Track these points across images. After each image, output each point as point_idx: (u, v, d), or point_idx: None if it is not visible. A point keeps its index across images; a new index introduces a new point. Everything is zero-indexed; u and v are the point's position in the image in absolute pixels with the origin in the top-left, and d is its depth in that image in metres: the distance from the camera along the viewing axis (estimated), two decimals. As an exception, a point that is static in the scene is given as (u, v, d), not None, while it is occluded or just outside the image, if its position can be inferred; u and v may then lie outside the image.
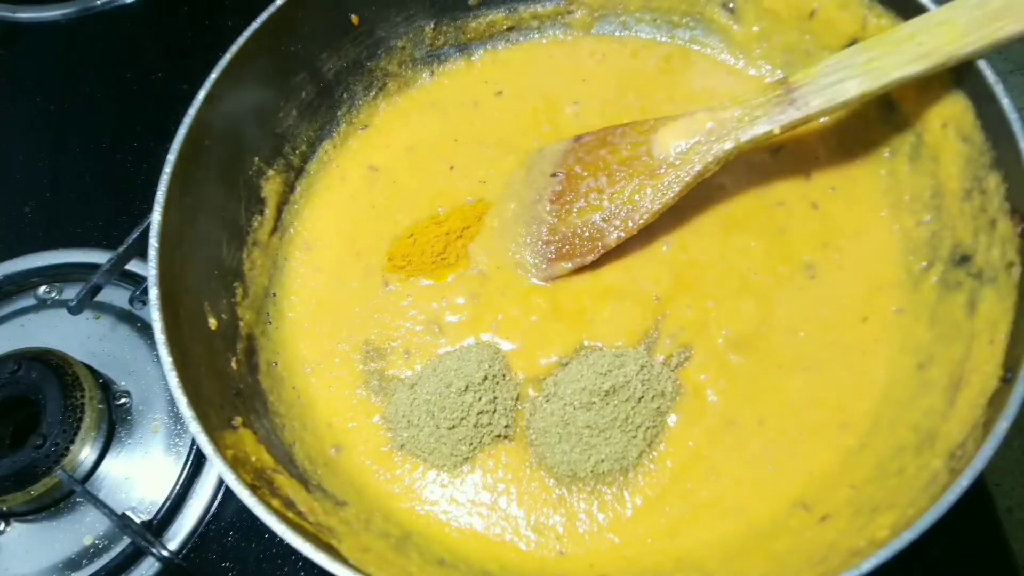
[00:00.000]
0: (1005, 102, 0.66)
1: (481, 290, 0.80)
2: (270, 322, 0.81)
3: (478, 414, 0.72)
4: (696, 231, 0.81)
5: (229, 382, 0.73)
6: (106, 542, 0.80)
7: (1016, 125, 0.65)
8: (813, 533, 0.65)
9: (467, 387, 0.72)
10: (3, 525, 0.81)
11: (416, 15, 0.90)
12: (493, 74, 0.94)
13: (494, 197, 0.85)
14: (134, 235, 0.80)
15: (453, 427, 0.72)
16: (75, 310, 0.83)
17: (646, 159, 0.77)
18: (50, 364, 0.80)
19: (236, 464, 0.63)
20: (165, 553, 0.76)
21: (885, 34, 0.71)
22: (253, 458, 0.67)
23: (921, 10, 0.71)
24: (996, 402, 0.61)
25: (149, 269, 0.67)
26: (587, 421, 0.71)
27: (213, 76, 0.75)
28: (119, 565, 0.78)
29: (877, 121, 0.80)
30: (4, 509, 0.79)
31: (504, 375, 0.75)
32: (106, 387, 0.85)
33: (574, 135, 0.83)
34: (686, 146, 0.75)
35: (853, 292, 0.77)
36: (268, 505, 0.60)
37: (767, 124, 0.73)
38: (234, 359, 0.75)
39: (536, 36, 0.95)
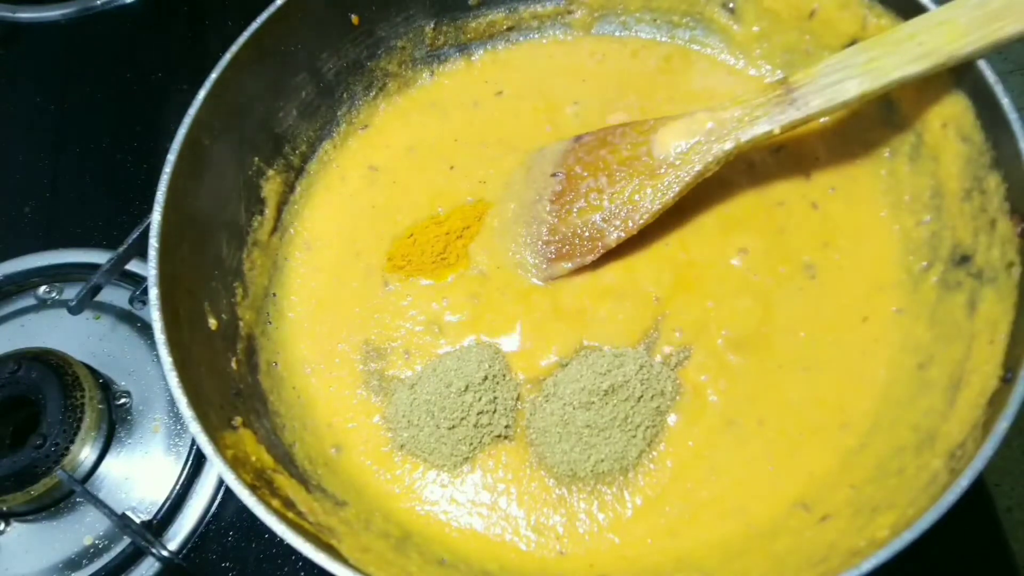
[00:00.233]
0: (1005, 102, 0.67)
1: (481, 290, 0.80)
2: (270, 322, 0.81)
3: (478, 414, 0.72)
4: (696, 231, 0.81)
5: (229, 382, 0.73)
6: (106, 542, 0.80)
7: (1016, 125, 0.65)
8: (813, 533, 0.65)
9: (467, 387, 0.72)
10: (3, 525, 0.81)
11: (416, 15, 0.90)
12: (493, 74, 0.94)
13: (494, 197, 0.85)
14: (134, 235, 0.80)
15: (453, 427, 0.72)
16: (75, 310, 0.83)
17: (646, 159, 0.77)
18: (50, 364, 0.80)
19: (236, 464, 0.63)
20: (165, 553, 0.76)
21: (885, 34, 0.71)
22: (253, 458, 0.67)
23: (921, 10, 0.71)
24: (996, 402, 0.61)
25: (149, 269, 0.67)
26: (587, 421, 0.71)
27: (213, 76, 0.75)
28: (119, 565, 0.78)
29: (877, 121, 0.80)
30: (4, 509, 0.79)
31: (504, 375, 0.75)
32: (106, 387, 0.85)
33: (574, 135, 0.83)
34: (686, 146, 0.75)
35: (853, 292, 0.77)
36: (268, 505, 0.60)
37: (767, 124, 0.73)
38: (234, 359, 0.75)
39: (536, 36, 0.95)
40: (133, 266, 0.87)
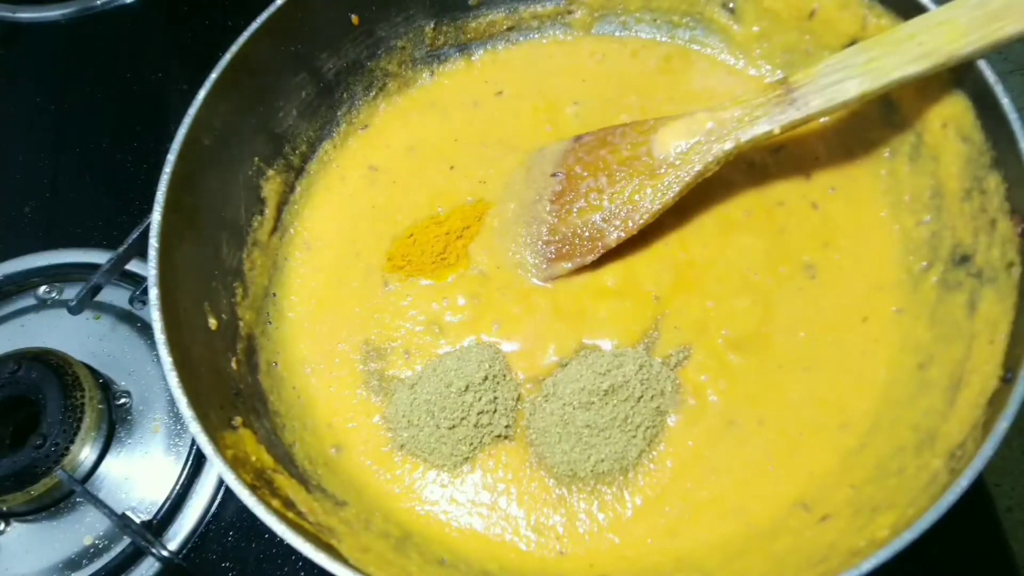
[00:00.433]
0: (1005, 102, 0.67)
1: (481, 290, 0.80)
2: (270, 322, 0.81)
3: (478, 414, 0.72)
4: (696, 231, 0.81)
5: (229, 382, 0.73)
6: (106, 542, 0.80)
7: (1016, 125, 0.65)
8: (813, 533, 0.65)
9: (467, 387, 0.72)
10: (3, 525, 0.81)
11: (416, 15, 0.90)
12: (493, 74, 0.94)
13: (494, 197, 0.85)
14: (134, 235, 0.80)
15: (453, 427, 0.72)
16: (75, 310, 0.83)
17: (646, 159, 0.77)
18: (50, 364, 0.80)
19: (236, 464, 0.63)
20: (165, 553, 0.76)
21: (885, 34, 0.71)
22: (253, 458, 0.67)
23: (921, 10, 0.71)
24: (996, 402, 0.61)
25: (149, 269, 0.67)
26: (586, 421, 0.71)
27: (213, 76, 0.75)
28: (119, 565, 0.78)
29: (877, 121, 0.80)
30: (4, 509, 0.79)
31: (504, 375, 0.75)
32: (106, 387, 0.85)
33: (574, 135, 0.83)
34: (686, 146, 0.75)
35: (853, 292, 0.77)
36: (268, 505, 0.60)
37: (767, 124, 0.73)
38: (234, 359, 0.75)
39: (536, 36, 0.95)
40: (133, 266, 0.87)
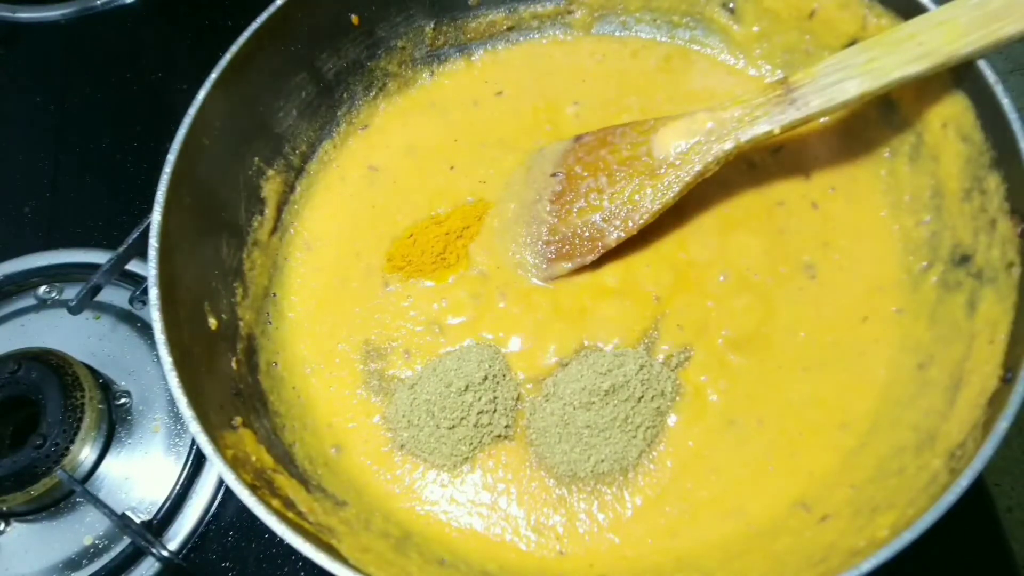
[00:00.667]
0: (1005, 102, 0.67)
1: (481, 290, 0.80)
2: (270, 322, 0.81)
3: (478, 414, 0.72)
4: (696, 231, 0.81)
5: (229, 382, 0.73)
6: (106, 542, 0.80)
7: (1016, 125, 0.65)
8: (813, 533, 0.65)
9: (467, 387, 0.72)
10: (3, 525, 0.81)
11: (416, 15, 0.90)
12: (493, 74, 0.94)
13: (494, 197, 0.85)
14: (134, 235, 0.80)
15: (453, 427, 0.72)
16: (75, 310, 0.83)
17: (646, 159, 0.77)
18: (50, 364, 0.80)
19: (236, 464, 0.63)
20: (165, 553, 0.76)
21: (885, 34, 0.71)
22: (253, 458, 0.67)
23: (921, 10, 0.71)
24: (996, 402, 0.61)
25: (149, 269, 0.67)
26: (587, 421, 0.71)
27: (213, 76, 0.75)
28: (119, 565, 0.78)
29: (877, 121, 0.80)
30: (4, 509, 0.79)
31: (504, 375, 0.75)
32: (106, 387, 0.85)
33: (574, 135, 0.83)
34: (686, 146, 0.75)
35: (853, 292, 0.77)
36: (268, 505, 0.60)
37: (767, 124, 0.73)
38: (234, 359, 0.75)
39: (536, 36, 0.95)
40: (133, 266, 0.87)
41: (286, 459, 0.71)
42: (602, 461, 0.71)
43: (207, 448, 0.61)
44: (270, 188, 0.84)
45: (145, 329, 0.89)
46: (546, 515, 0.71)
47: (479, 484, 0.73)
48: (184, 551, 0.80)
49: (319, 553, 0.57)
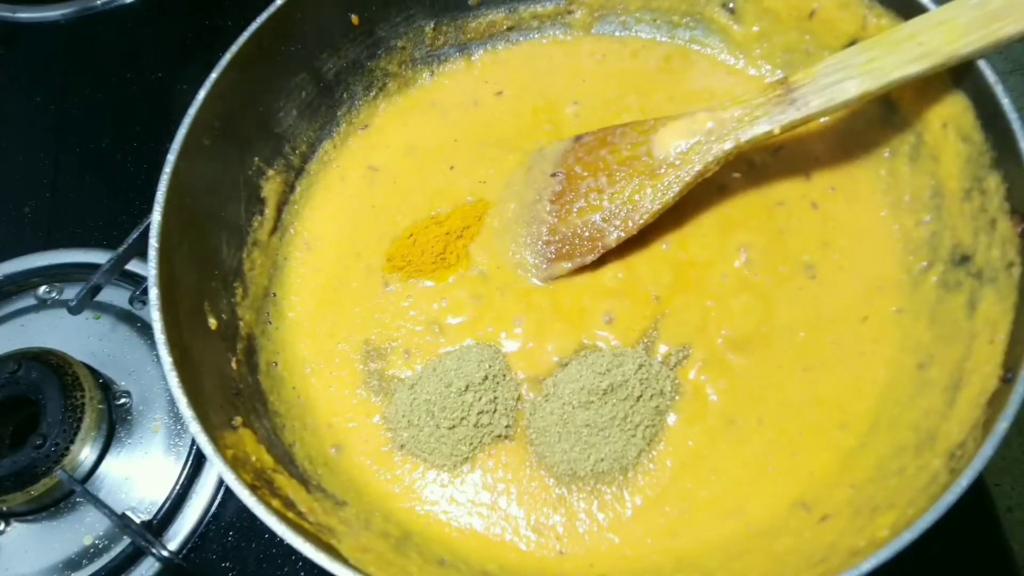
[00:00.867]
0: (1005, 102, 0.67)
1: (481, 290, 0.80)
2: (270, 322, 0.81)
3: (478, 414, 0.72)
4: (696, 231, 0.81)
5: (229, 382, 0.73)
6: (106, 542, 0.80)
7: (1016, 125, 0.65)
8: (813, 533, 0.65)
9: (467, 387, 0.72)
10: (3, 525, 0.81)
11: (416, 15, 0.90)
12: (493, 74, 0.94)
13: (494, 197, 0.85)
14: (134, 235, 0.80)
15: (453, 427, 0.72)
16: (75, 310, 0.83)
17: (646, 159, 0.77)
18: (50, 364, 0.80)
19: (236, 464, 0.63)
20: (165, 553, 0.76)
21: (885, 34, 0.71)
22: (253, 458, 0.67)
23: (921, 10, 0.71)
24: (996, 402, 0.61)
25: (149, 269, 0.67)
26: (586, 420, 0.71)
27: (213, 76, 0.75)
28: (119, 565, 0.78)
29: (877, 121, 0.80)
30: (4, 509, 0.79)
31: (504, 375, 0.75)
32: (106, 387, 0.85)
33: (574, 135, 0.83)
34: (686, 146, 0.75)
35: (853, 292, 0.77)
36: (268, 505, 0.60)
37: (767, 124, 0.73)
38: (234, 359, 0.75)
39: (536, 36, 0.95)
40: (133, 266, 0.87)
41: (286, 459, 0.71)
42: (602, 460, 0.71)
43: (207, 448, 0.61)
44: (270, 188, 0.84)
45: (145, 329, 0.89)
46: (546, 515, 0.71)
47: (479, 484, 0.73)
48: (184, 551, 0.80)
49: (319, 553, 0.57)
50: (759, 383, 0.74)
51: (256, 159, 0.83)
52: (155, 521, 0.79)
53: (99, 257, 0.90)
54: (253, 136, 0.82)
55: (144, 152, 1.04)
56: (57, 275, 0.93)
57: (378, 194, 0.87)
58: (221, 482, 0.82)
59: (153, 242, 0.68)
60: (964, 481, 0.56)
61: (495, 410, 0.73)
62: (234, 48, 0.77)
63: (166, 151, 0.72)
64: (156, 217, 0.69)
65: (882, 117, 0.80)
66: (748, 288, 0.78)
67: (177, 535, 0.80)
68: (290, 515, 0.63)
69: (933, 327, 0.72)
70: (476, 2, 0.92)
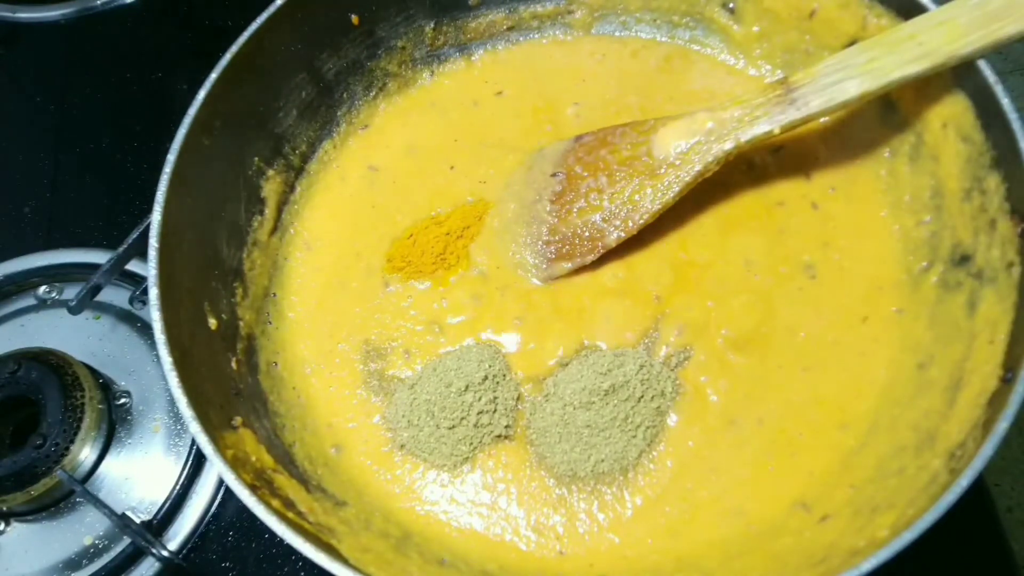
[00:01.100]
0: (1005, 102, 0.67)
1: (481, 290, 0.80)
2: (270, 322, 0.81)
3: (478, 414, 0.72)
4: (696, 231, 0.81)
5: (229, 382, 0.73)
6: (106, 542, 0.80)
7: (1016, 125, 0.65)
8: (813, 533, 0.65)
9: (467, 387, 0.72)
10: (3, 525, 0.81)
11: (416, 15, 0.90)
12: (493, 74, 0.94)
13: (494, 197, 0.85)
14: (134, 235, 0.80)
15: (453, 427, 0.72)
16: (75, 310, 0.83)
17: (646, 159, 0.77)
18: (50, 364, 0.80)
19: (236, 464, 0.63)
20: (165, 553, 0.76)
21: (885, 34, 0.71)
22: (253, 458, 0.67)
23: (921, 10, 0.71)
24: (996, 402, 0.60)
25: (149, 269, 0.67)
26: (586, 421, 0.71)
27: (213, 76, 0.75)
28: (119, 565, 0.78)
29: (877, 121, 0.80)
30: (4, 509, 0.79)
31: (504, 375, 0.75)
32: (106, 387, 0.85)
33: (574, 135, 0.83)
34: (686, 146, 0.75)
35: (853, 292, 0.77)
36: (268, 505, 0.60)
37: (767, 124, 0.73)
38: (234, 359, 0.75)
39: (536, 36, 0.95)
40: (133, 266, 0.87)
41: (286, 459, 0.71)
42: (602, 461, 0.71)
43: (207, 448, 0.61)
44: (270, 188, 0.84)
45: (145, 329, 0.89)
46: (546, 515, 0.71)
47: (479, 484, 0.73)
48: (184, 551, 0.80)
49: (319, 553, 0.57)
50: (759, 383, 0.74)
51: (256, 159, 0.83)
52: (155, 521, 0.79)
53: (99, 257, 0.90)
54: (253, 136, 0.82)
55: (144, 152, 1.04)
56: (57, 275, 0.93)
57: (378, 194, 0.87)
58: (221, 482, 0.82)
59: (153, 242, 0.68)
60: (964, 481, 0.56)
61: (495, 410, 0.73)
62: (234, 48, 0.77)
63: (166, 151, 0.72)
64: (156, 217, 0.69)
65: (882, 117, 0.80)
66: (748, 288, 0.78)
67: (177, 535, 0.80)
68: (290, 515, 0.63)
69: (933, 327, 0.72)
70: (476, 2, 0.92)
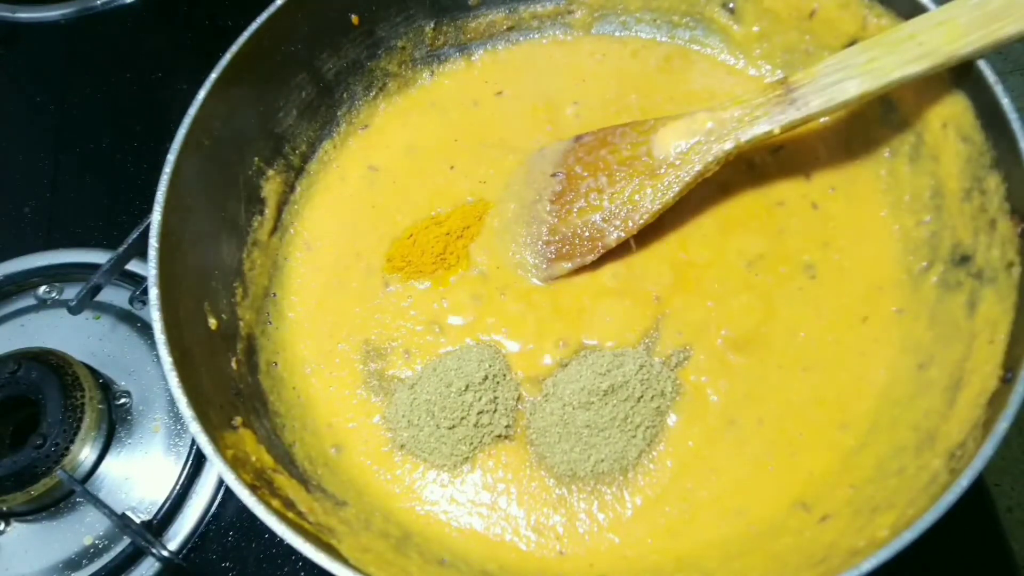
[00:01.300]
0: (1005, 102, 0.67)
1: (481, 290, 0.80)
2: (270, 322, 0.81)
3: (478, 414, 0.72)
4: (696, 231, 0.81)
5: (229, 382, 0.73)
6: (106, 542, 0.80)
7: (1016, 125, 0.65)
8: (813, 533, 0.65)
9: (467, 387, 0.72)
10: (3, 525, 0.81)
11: (416, 15, 0.90)
12: (493, 74, 0.94)
13: (494, 197, 0.85)
14: (134, 235, 0.80)
15: (453, 427, 0.72)
16: (75, 310, 0.83)
17: (646, 159, 0.77)
18: (50, 364, 0.80)
19: (236, 464, 0.63)
20: (165, 553, 0.76)
21: (885, 34, 0.71)
22: (253, 458, 0.67)
23: (921, 10, 0.71)
24: (996, 402, 0.61)
25: (149, 269, 0.67)
26: (586, 421, 0.71)
27: (213, 76, 0.75)
28: (119, 565, 0.78)
29: (877, 121, 0.80)
30: (4, 509, 0.79)
31: (504, 375, 0.75)
32: (106, 387, 0.85)
33: (574, 135, 0.83)
34: (686, 146, 0.75)
35: (853, 292, 0.77)
36: (268, 505, 0.60)
37: (767, 124, 0.73)
38: (234, 359, 0.75)
39: (536, 36, 0.95)
40: (133, 266, 0.87)
41: (286, 459, 0.71)
42: (602, 461, 0.71)
43: (207, 448, 0.61)
44: (270, 188, 0.84)
45: (145, 329, 0.89)
46: (546, 515, 0.71)
47: (479, 484, 0.73)
48: (184, 551, 0.80)
49: (319, 553, 0.57)
50: (759, 383, 0.74)
51: (256, 159, 0.83)
52: (155, 521, 0.79)
53: (99, 257, 0.90)
54: (253, 136, 0.82)
55: (144, 152, 1.04)
56: (57, 275, 0.93)
57: (378, 194, 0.87)
58: (221, 482, 0.82)
59: (153, 242, 0.68)
60: (964, 481, 0.56)
61: (495, 410, 0.73)
62: (234, 48, 0.77)
63: (166, 151, 0.72)
64: (156, 217, 0.69)
65: (882, 117, 0.80)
66: (748, 288, 0.78)
67: (177, 535, 0.80)
68: (290, 515, 0.63)
69: (933, 327, 0.72)
70: (476, 2, 0.92)
